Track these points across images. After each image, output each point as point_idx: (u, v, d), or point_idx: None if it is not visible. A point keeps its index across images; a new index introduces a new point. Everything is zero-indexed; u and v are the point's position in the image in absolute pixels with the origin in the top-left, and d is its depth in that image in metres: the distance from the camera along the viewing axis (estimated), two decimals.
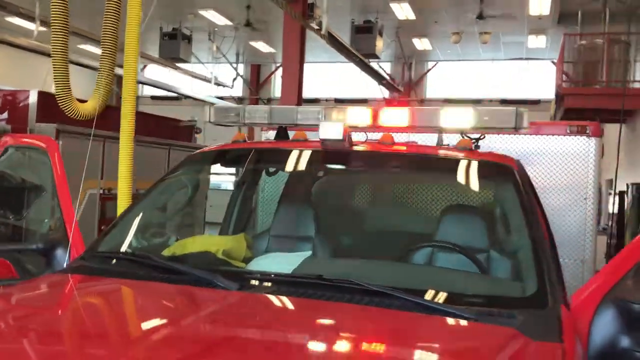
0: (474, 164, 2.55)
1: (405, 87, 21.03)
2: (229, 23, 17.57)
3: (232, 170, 3.53)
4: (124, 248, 2.53)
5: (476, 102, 20.88)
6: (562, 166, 4.36)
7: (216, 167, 3.13)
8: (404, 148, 2.87)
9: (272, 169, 3.47)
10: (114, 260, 2.38)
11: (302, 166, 2.81)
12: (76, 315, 1.90)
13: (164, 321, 1.79)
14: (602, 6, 13.68)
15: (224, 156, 3.10)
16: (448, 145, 3.05)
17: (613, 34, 13.79)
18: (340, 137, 2.59)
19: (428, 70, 22.12)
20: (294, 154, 2.82)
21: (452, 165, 2.58)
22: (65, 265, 2.46)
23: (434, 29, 17.37)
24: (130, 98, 4.37)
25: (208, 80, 19.94)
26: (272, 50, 20.62)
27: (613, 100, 13.18)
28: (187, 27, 17.96)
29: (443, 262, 2.88)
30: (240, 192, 3.70)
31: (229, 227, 3.68)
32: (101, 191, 8.37)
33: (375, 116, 2.90)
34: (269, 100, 24.28)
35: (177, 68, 19.15)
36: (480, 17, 14.81)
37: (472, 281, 2.27)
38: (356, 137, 2.83)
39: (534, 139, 4.43)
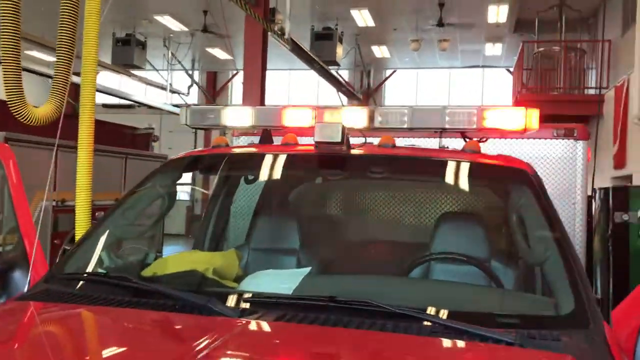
0: (488, 168, 2.34)
1: (363, 95, 20.95)
2: (185, 29, 17.13)
3: (214, 178, 3.21)
4: (95, 268, 2.20)
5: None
6: (549, 170, 4.21)
7: (196, 175, 2.82)
8: (407, 151, 2.64)
9: (250, 177, 3.17)
10: (85, 283, 2.05)
11: (296, 172, 2.54)
12: (40, 354, 1.56)
13: None
14: (558, 14, 13.92)
15: (205, 162, 2.80)
16: (447, 147, 2.84)
17: (569, 42, 14.04)
18: (339, 139, 2.34)
19: (386, 78, 22.15)
20: (287, 159, 2.54)
21: (464, 169, 2.35)
22: (25, 289, 2.11)
23: (393, 37, 17.36)
24: (89, 105, 4.08)
25: (163, 87, 19.38)
26: (229, 57, 20.21)
27: (570, 106, 13.42)
28: (142, 32, 17.42)
29: (443, 275, 2.66)
30: (217, 202, 3.39)
31: (204, 241, 3.37)
32: (54, 203, 7.87)
33: (371, 117, 2.66)
34: None
35: (130, 75, 18.54)
36: (440, 24, 14.84)
37: (500, 298, 2.04)
38: (352, 139, 2.58)
39: (519, 143, 4.27)
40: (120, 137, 10.14)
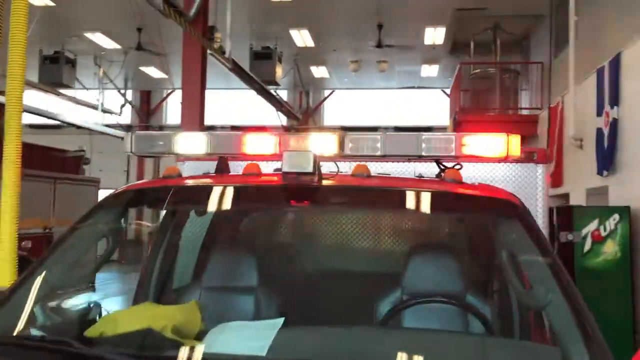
0: (473, 200, 2.14)
1: (303, 115, 20.84)
2: (118, 47, 16.50)
3: (164, 212, 2.88)
4: (25, 328, 1.84)
5: (372, 129, 21.13)
6: None
7: (143, 210, 2.49)
8: (385, 182, 2.41)
9: (207, 211, 2.86)
10: (13, 349, 1.69)
11: (261, 205, 2.26)
12: None
13: None
14: (493, 37, 14.27)
15: (156, 195, 2.47)
16: (422, 176, 2.64)
17: (504, 63, 14.41)
18: (310, 169, 2.09)
19: (325, 98, 22.14)
20: (252, 191, 2.26)
21: (449, 202, 2.15)
22: None
23: (333, 57, 17.35)
24: (15, 126, 3.70)
25: (94, 107, 18.56)
26: (164, 75, 19.66)
27: (507, 126, 13.72)
28: (71, 50, 16.65)
29: (416, 313, 2.45)
30: (165, 237, 3.04)
31: (150, 280, 3.02)
32: None
33: (341, 143, 2.43)
34: (161, 128, 23.16)
35: (59, 94, 17.66)
36: (379, 45, 14.92)
37: (508, 351, 1.82)
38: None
39: (478, 167, 4.15)
40: (49, 160, 9.51)
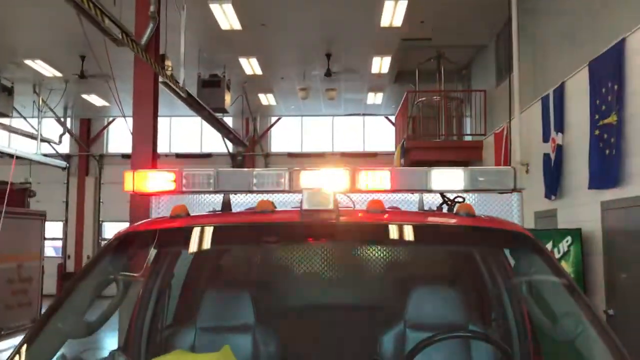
0: (492, 233, 2.20)
1: (250, 142, 20.76)
2: (59, 74, 16.00)
3: (177, 253, 2.79)
4: None
5: (319, 155, 21.27)
6: None
7: (151, 251, 2.41)
8: (401, 217, 2.44)
9: (219, 250, 2.79)
10: None
11: (279, 243, 2.24)
12: None
13: None
14: (437, 66, 14.75)
15: (164, 235, 2.40)
16: (430, 209, 2.68)
17: (449, 92, 14.90)
18: (331, 206, 2.10)
19: (272, 125, 22.17)
20: (267, 229, 2.24)
21: (466, 235, 2.19)
22: None
23: (281, 85, 17.44)
24: None
25: (32, 136, 17.85)
26: (106, 103, 19.20)
27: (453, 152, 14.16)
28: (8, 77, 16.03)
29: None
30: (159, 276, 2.94)
31: (143, 320, 2.91)
32: None
33: (353, 179, 2.45)
34: (101, 157, 22.52)
35: None
36: (328, 74, 15.13)
37: None
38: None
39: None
40: None
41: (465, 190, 2.44)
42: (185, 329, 2.83)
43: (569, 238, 7.59)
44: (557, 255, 7.60)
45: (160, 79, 10.13)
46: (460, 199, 2.69)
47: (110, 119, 22.31)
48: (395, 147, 16.54)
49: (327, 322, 2.84)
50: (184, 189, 2.50)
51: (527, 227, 8.84)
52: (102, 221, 22.50)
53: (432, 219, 2.42)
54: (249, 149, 20.97)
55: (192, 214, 2.46)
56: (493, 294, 2.69)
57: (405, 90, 15.37)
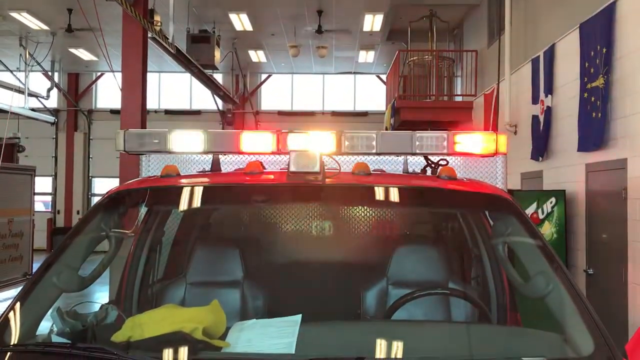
0: (471, 196, 2.28)
1: (240, 99, 20.64)
2: (46, 27, 15.72)
3: (167, 211, 2.86)
4: (48, 336, 1.82)
5: (310, 114, 21.22)
6: None
7: (141, 208, 2.48)
8: (385, 179, 2.51)
9: (206, 208, 2.87)
10: (39, 356, 1.68)
11: (267, 203, 2.31)
12: None
13: None
14: (429, 25, 14.63)
15: (156, 194, 2.47)
16: (414, 171, 2.76)
17: (440, 51, 14.81)
18: (317, 168, 2.17)
19: (262, 82, 22.00)
20: (256, 190, 2.31)
21: (447, 198, 2.28)
22: None
23: (271, 42, 17.25)
24: None
25: (20, 90, 17.63)
26: (94, 58, 18.93)
27: (444, 113, 14.19)
28: None
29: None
30: (150, 233, 3.02)
31: (134, 276, 3.00)
32: None
33: (339, 141, 2.51)
34: (90, 112, 22.32)
35: None
36: (319, 31, 14.97)
37: (510, 337, 1.97)
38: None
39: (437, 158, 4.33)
40: None
41: (448, 154, 2.51)
42: (175, 284, 2.93)
43: (553, 199, 7.74)
44: (541, 216, 7.76)
45: (149, 34, 10.02)
46: (443, 162, 2.76)
47: (99, 73, 22.02)
48: (386, 107, 16.53)
49: (312, 278, 2.94)
50: (173, 149, 2.56)
51: (513, 188, 8.99)
52: (92, 177, 22.48)
53: (414, 182, 2.49)
54: (239, 106, 20.87)
55: (181, 174, 2.52)
56: (473, 253, 2.80)
57: (397, 49, 15.27)
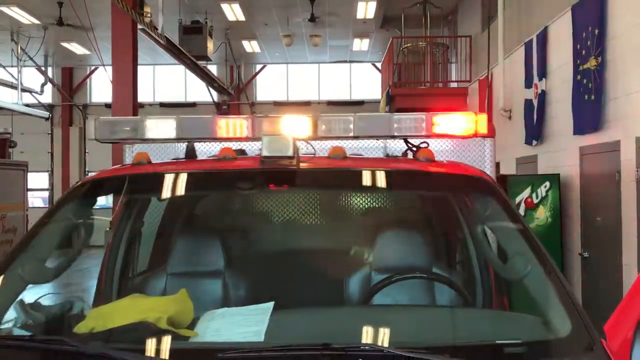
0: (447, 178, 2.23)
1: (235, 90, 20.54)
2: (37, 21, 15.61)
3: (143, 200, 2.81)
4: (9, 327, 1.77)
5: (305, 104, 21.14)
6: None
7: (113, 198, 2.43)
8: (361, 162, 2.46)
9: (177, 197, 2.82)
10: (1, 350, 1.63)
11: (240, 190, 2.26)
12: None
13: None
14: (422, 11, 14.52)
15: (127, 183, 2.41)
16: (396, 155, 2.71)
17: (434, 37, 14.72)
18: (290, 153, 2.11)
19: (256, 73, 21.89)
20: (228, 175, 2.26)
21: (425, 180, 2.23)
22: None
23: (264, 32, 17.14)
24: None
25: (13, 86, 17.54)
26: (87, 52, 18.82)
27: (438, 99, 14.09)
28: None
29: (383, 291, 2.53)
30: (128, 224, 2.97)
31: (113, 268, 2.96)
32: None
33: (315, 125, 2.45)
34: (85, 107, 22.23)
35: None
36: (312, 19, 14.86)
37: (489, 321, 1.92)
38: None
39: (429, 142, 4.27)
40: None
41: (427, 136, 2.46)
42: (155, 275, 2.88)
43: (547, 183, 7.69)
44: (535, 200, 7.72)
45: (139, 25, 9.93)
46: (425, 145, 2.71)
47: (93, 67, 21.92)
48: (382, 95, 16.45)
49: (293, 266, 2.90)
50: (147, 136, 2.50)
51: (508, 173, 8.93)
52: (89, 172, 22.39)
53: (391, 165, 2.44)
54: (234, 97, 20.77)
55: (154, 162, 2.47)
56: (457, 236, 2.75)
57: (391, 37, 15.16)
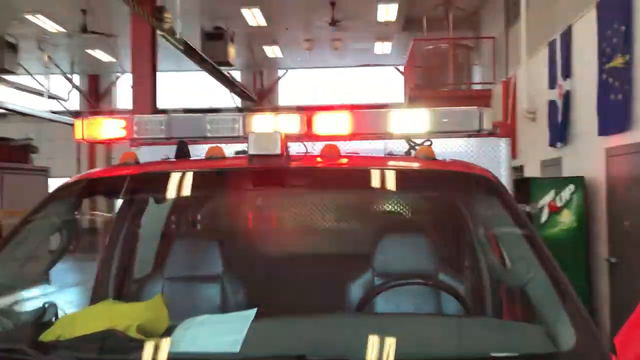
0: (450, 177, 2.09)
1: (258, 96, 20.55)
2: (62, 29, 15.83)
3: (121, 201, 2.74)
4: None
5: (328, 108, 21.02)
6: None
7: (98, 199, 2.35)
8: (356, 161, 2.33)
9: (163, 198, 2.73)
10: None
11: (227, 190, 2.15)
12: None
13: None
14: (445, 12, 14.31)
15: (111, 183, 2.33)
16: (392, 153, 2.57)
17: (457, 39, 14.49)
18: (278, 151, 1.99)
19: (279, 78, 21.89)
20: (214, 175, 2.15)
21: (423, 179, 2.08)
22: None
23: (286, 36, 17.11)
24: None
25: (40, 93, 17.81)
26: (112, 59, 19.03)
27: (462, 102, 13.84)
28: (11, 34, 15.89)
29: (387, 294, 2.40)
30: (124, 227, 2.89)
31: (109, 273, 2.88)
32: None
33: (309, 122, 2.33)
34: (111, 113, 22.48)
35: (1, 80, 16.86)
36: (332, 23, 14.77)
37: (489, 330, 1.77)
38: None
39: (441, 142, 4.10)
40: None
41: (431, 133, 2.31)
42: (152, 280, 2.79)
43: (571, 186, 7.43)
44: (559, 204, 7.46)
45: (158, 32, 9.95)
46: (428, 143, 2.56)
47: (119, 74, 22.16)
48: (404, 98, 16.26)
49: (294, 270, 2.78)
50: (135, 135, 2.42)
51: (533, 176, 8.66)
52: None
53: (386, 163, 2.30)
54: (258, 103, 20.78)
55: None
56: (460, 240, 2.60)
57: (413, 39, 14.97)
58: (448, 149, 4.03)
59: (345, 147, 2.55)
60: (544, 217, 7.48)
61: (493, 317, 2.21)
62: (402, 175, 2.17)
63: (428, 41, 14.40)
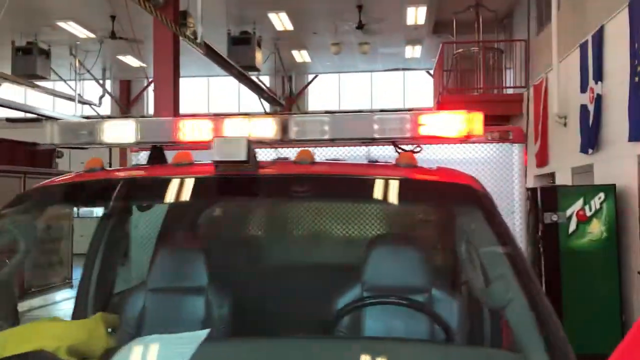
0: (427, 186, 1.89)
1: (286, 101, 20.49)
2: (92, 35, 16.05)
3: (88, 208, 2.62)
4: None
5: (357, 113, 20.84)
6: (485, 176, 3.82)
7: (62, 207, 2.23)
8: (330, 168, 2.15)
9: (144, 204, 2.60)
10: None
11: (192, 200, 2.01)
12: None
13: None
14: (475, 15, 13.98)
15: (73, 191, 2.21)
16: (377, 161, 2.38)
17: (487, 42, 14.14)
18: (243, 157, 1.83)
19: (308, 83, 21.80)
20: (174, 184, 2.00)
21: (400, 188, 1.89)
22: None
23: (313, 41, 16.99)
24: None
25: (72, 98, 18.11)
26: (143, 64, 19.22)
27: (492, 106, 13.47)
28: (44, 40, 16.19)
29: (376, 311, 2.22)
30: (103, 238, 2.77)
31: (88, 288, 2.77)
32: None
33: (284, 127, 2.16)
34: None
35: (35, 86, 17.20)
36: (360, 27, 14.59)
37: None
38: (262, 155, 2.08)
39: (450, 148, 3.88)
40: (18, 154, 9.20)
41: (413, 138, 2.11)
42: (136, 292, 2.67)
43: (601, 195, 7.07)
44: (588, 213, 7.10)
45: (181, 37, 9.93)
46: (419, 150, 2.36)
47: (150, 79, 22.40)
48: (434, 103, 15.95)
49: (279, 283, 2.62)
50: (105, 140, 2.29)
51: (563, 184, 8.27)
52: None
53: (365, 171, 2.11)
54: (286, 108, 20.72)
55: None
56: (446, 254, 2.39)
57: (442, 42, 14.68)
58: (454, 155, 3.82)
59: (326, 153, 2.37)
60: (572, 226, 7.13)
61: (475, 341, 2.00)
62: (379, 184, 1.98)
63: (458, 44, 14.08)
